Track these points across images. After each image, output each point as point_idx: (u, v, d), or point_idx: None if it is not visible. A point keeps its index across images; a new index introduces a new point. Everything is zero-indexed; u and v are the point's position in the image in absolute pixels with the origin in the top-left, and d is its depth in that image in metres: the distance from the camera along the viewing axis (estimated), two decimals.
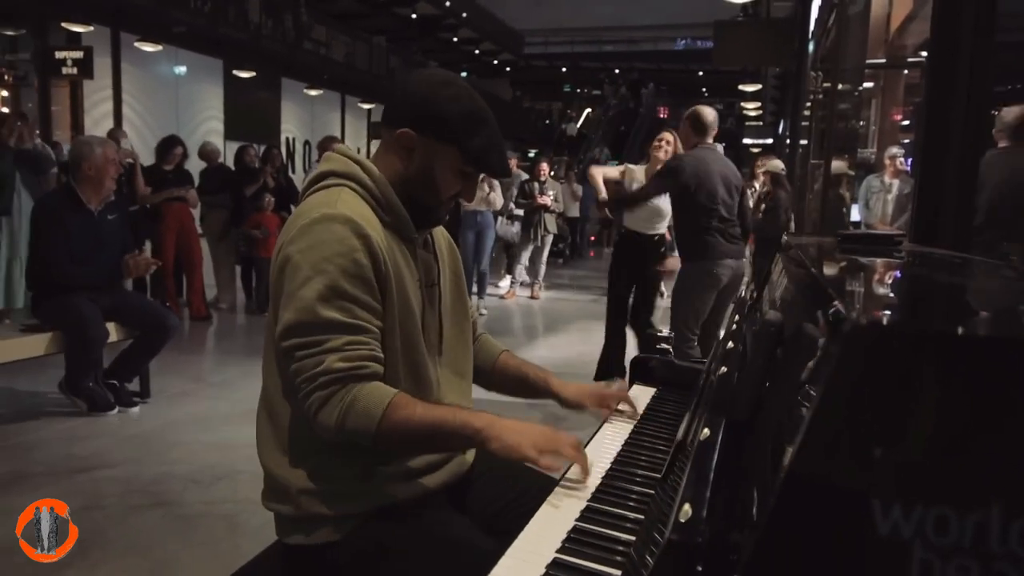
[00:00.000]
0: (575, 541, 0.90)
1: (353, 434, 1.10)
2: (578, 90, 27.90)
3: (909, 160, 5.19)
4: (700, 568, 0.49)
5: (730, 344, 1.19)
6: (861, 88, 6.79)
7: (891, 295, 0.76)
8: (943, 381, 0.41)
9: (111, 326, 3.58)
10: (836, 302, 0.49)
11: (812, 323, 0.56)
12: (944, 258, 1.20)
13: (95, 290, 3.51)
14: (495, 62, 24.92)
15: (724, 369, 1.03)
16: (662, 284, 4.52)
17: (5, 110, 9.52)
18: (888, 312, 0.67)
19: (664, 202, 3.98)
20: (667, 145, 4.17)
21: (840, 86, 6.51)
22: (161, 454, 3.17)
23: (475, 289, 7.01)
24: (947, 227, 1.70)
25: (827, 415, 0.42)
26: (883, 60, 6.71)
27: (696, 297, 3.49)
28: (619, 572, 0.79)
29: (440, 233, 1.41)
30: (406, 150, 1.23)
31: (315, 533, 1.18)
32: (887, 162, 5.29)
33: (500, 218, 8.15)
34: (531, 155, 16.99)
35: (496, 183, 6.91)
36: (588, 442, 1.34)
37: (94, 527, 2.49)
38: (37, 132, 6.01)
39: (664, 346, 1.68)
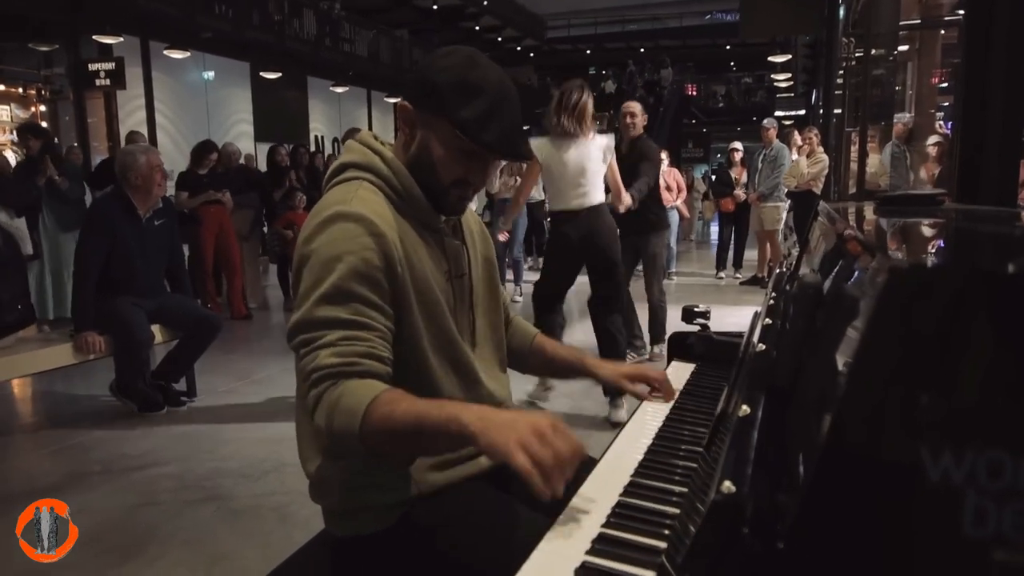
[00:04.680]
0: (620, 516, 0.90)
1: (341, 438, 1.01)
2: (603, 71, 27.64)
3: (949, 123, 5.09)
4: (746, 530, 0.48)
5: (768, 320, 1.17)
6: (896, 52, 6.60)
7: (931, 243, 0.74)
8: (987, 322, 0.40)
9: (156, 328, 3.68)
10: (874, 253, 0.47)
11: (850, 280, 0.55)
12: (989, 212, 1.16)
13: (140, 294, 3.60)
14: (518, 48, 24.78)
15: (762, 346, 1.01)
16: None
17: (44, 124, 9.81)
18: (928, 255, 0.65)
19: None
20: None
21: (874, 51, 6.33)
22: (211, 450, 3.25)
23: (510, 277, 7.02)
24: (990, 184, 1.65)
25: (869, 365, 0.41)
26: (918, 20, 6.50)
27: None
28: (664, 544, 0.79)
29: (472, 218, 1.39)
30: (408, 126, 1.20)
31: (361, 524, 1.19)
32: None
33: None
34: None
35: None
36: (629, 418, 1.34)
37: (151, 522, 2.57)
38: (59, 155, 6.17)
39: (701, 321, 1.66)
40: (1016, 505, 0.37)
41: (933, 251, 0.68)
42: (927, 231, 0.81)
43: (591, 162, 3.52)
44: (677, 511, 0.88)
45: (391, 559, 1.17)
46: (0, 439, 3.60)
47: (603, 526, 0.87)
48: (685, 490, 0.95)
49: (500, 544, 1.10)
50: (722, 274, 8.42)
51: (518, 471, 0.85)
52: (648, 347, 4.62)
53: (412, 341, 1.16)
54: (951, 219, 0.92)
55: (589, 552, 0.81)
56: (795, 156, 7.20)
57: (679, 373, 1.56)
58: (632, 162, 4.09)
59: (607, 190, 3.73)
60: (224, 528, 2.52)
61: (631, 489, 0.98)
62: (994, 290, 0.40)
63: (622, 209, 3.77)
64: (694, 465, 1.05)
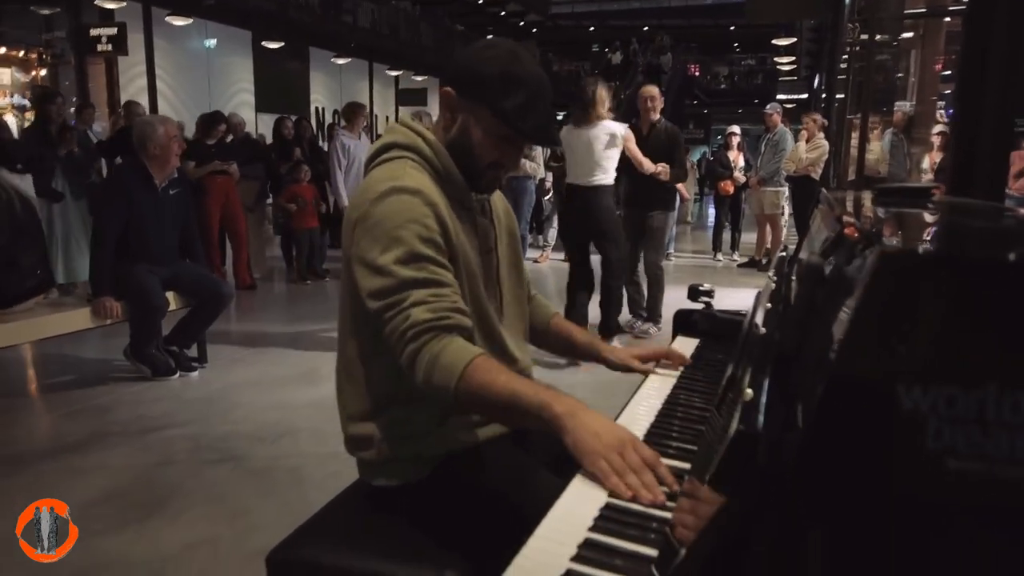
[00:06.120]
0: None
1: (436, 390, 1.13)
2: (606, 49, 27.46)
3: (950, 111, 5.18)
4: (762, 453, 0.61)
5: (768, 304, 1.27)
6: (900, 39, 6.66)
7: (919, 232, 0.86)
8: (954, 293, 0.54)
9: (170, 295, 3.77)
10: (870, 241, 0.59)
11: (847, 261, 0.66)
12: (972, 205, 1.27)
13: (154, 262, 3.70)
14: (521, 23, 24.60)
15: (763, 330, 1.11)
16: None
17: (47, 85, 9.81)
18: (913, 242, 0.77)
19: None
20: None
21: (878, 37, 6.39)
22: (224, 414, 3.37)
23: None
24: (983, 178, 1.74)
25: (860, 327, 0.54)
26: (923, 9, 6.55)
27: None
28: (672, 504, 0.90)
29: (497, 197, 1.47)
30: (449, 110, 1.30)
31: (396, 475, 1.31)
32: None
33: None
34: (560, 117, 16.84)
35: (536, 152, 7.01)
36: (636, 390, 1.44)
37: (171, 480, 2.69)
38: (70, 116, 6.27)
39: (706, 299, 1.77)
40: (963, 427, 0.52)
41: (919, 239, 0.80)
42: (917, 222, 0.94)
43: (597, 143, 4.11)
44: (687, 465, 0.99)
45: (422, 507, 1.28)
46: (19, 399, 3.72)
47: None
48: (694, 448, 1.06)
49: (521, 497, 1.21)
50: (719, 256, 8.54)
51: (599, 474, 0.97)
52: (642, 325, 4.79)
53: None
54: (940, 212, 1.04)
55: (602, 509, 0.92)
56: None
57: (684, 348, 1.67)
58: (657, 144, 4.49)
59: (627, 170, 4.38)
60: (242, 486, 2.64)
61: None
62: (960, 272, 0.54)
63: (647, 171, 4.37)
64: (702, 428, 1.16)
